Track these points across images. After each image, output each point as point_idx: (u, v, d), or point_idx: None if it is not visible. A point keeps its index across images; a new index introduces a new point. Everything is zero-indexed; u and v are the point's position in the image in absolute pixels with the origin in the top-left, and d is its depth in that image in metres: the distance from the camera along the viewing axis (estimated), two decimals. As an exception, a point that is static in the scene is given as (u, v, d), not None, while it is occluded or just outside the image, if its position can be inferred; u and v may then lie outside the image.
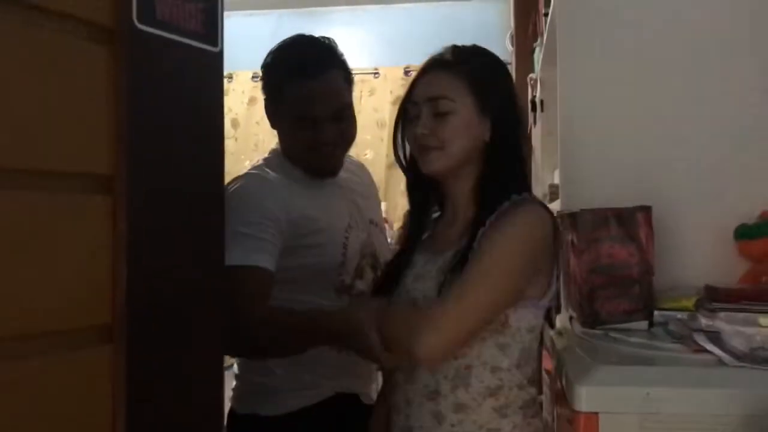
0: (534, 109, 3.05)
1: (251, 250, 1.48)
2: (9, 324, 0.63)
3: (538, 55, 2.95)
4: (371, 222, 1.78)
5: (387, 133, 4.47)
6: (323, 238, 1.63)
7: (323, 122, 1.61)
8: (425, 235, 1.48)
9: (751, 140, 1.83)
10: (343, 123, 1.65)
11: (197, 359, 0.78)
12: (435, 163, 1.35)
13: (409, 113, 1.39)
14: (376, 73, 4.58)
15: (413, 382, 1.34)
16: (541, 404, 1.42)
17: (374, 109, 4.56)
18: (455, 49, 1.43)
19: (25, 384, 0.64)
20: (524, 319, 1.31)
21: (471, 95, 1.35)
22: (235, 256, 1.38)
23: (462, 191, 1.40)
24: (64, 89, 0.68)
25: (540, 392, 1.48)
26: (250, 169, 1.74)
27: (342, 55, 1.73)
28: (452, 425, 1.30)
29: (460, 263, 1.29)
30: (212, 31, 0.80)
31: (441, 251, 1.38)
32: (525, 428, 1.32)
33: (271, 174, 1.68)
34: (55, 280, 0.67)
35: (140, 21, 0.71)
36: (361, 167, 1.94)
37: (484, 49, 1.47)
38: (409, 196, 1.51)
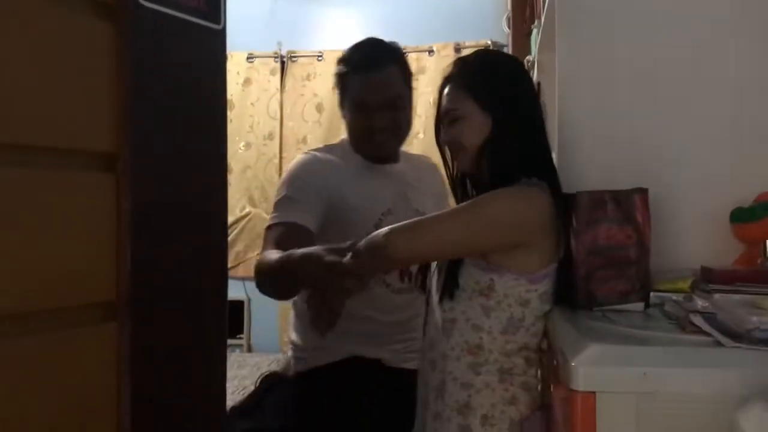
0: (531, 91, 3.04)
1: (284, 210, 1.73)
2: (12, 301, 0.63)
3: (536, 38, 2.94)
4: (417, 210, 1.89)
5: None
6: (354, 216, 1.81)
7: (376, 110, 1.84)
8: None
9: (748, 124, 1.84)
10: (396, 112, 1.87)
11: (200, 336, 0.78)
12: (462, 164, 1.54)
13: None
14: (372, 55, 4.56)
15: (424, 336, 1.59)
16: (533, 379, 1.44)
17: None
18: (457, 62, 1.58)
19: (29, 360, 0.65)
20: (511, 288, 1.42)
21: (471, 99, 1.49)
22: (270, 218, 1.73)
23: (484, 183, 1.51)
24: (66, 65, 0.67)
25: (537, 371, 1.49)
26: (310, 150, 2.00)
27: (402, 54, 2.00)
28: (440, 371, 1.45)
29: None
30: (215, 8, 0.80)
31: None
32: (500, 392, 1.41)
33: (326, 155, 1.92)
34: (58, 257, 0.67)
35: (144, -3, 0.71)
36: (430, 167, 2.10)
37: (486, 51, 1.63)
38: (453, 192, 1.68)
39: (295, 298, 1.87)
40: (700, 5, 1.85)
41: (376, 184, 1.90)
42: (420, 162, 2.10)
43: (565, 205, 1.48)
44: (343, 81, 1.91)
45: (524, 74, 1.63)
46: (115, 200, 0.71)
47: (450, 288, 1.47)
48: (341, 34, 4.56)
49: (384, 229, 1.38)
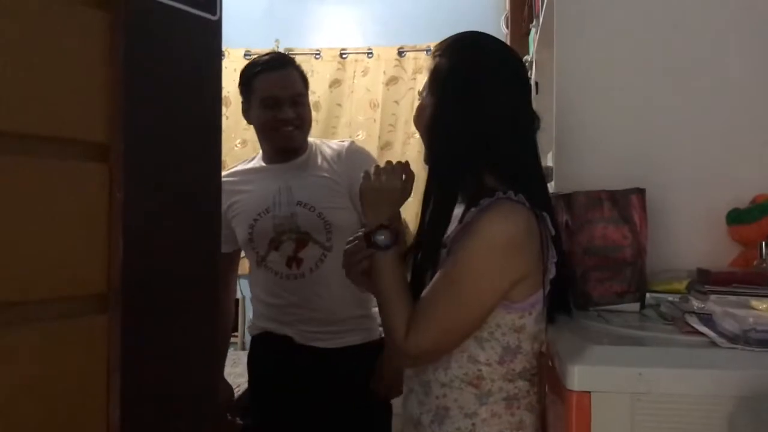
0: (528, 91, 3.03)
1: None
2: (1, 291, 0.62)
3: (534, 37, 2.93)
4: (298, 203, 2.13)
5: (380, 114, 4.44)
6: (238, 221, 2.15)
7: (283, 104, 2.11)
8: None
9: (745, 125, 1.83)
10: (299, 108, 2.14)
11: (192, 329, 0.77)
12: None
13: None
14: (369, 53, 4.55)
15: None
16: (536, 398, 1.39)
17: (367, 89, 4.52)
18: (446, 42, 1.45)
19: (18, 351, 0.64)
20: (502, 318, 1.29)
21: (432, 83, 1.41)
22: None
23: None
24: (59, 54, 0.66)
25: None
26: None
27: (296, 62, 2.28)
28: (439, 397, 1.34)
29: (426, 259, 1.38)
30: (209, -3, 0.79)
31: None
32: (507, 417, 1.31)
33: (233, 170, 2.27)
34: (49, 247, 0.66)
35: (138, -14, 0.70)
36: (348, 150, 2.25)
37: (476, 38, 1.44)
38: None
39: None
40: (697, 6, 1.85)
41: (260, 186, 2.16)
42: (334, 148, 2.25)
43: (552, 216, 1.35)
44: (251, 82, 2.16)
45: (509, 70, 1.40)
46: (107, 191, 0.70)
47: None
48: (339, 32, 4.55)
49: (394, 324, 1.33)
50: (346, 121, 4.43)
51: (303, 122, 2.16)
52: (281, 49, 4.55)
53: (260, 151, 2.27)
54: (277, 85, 2.12)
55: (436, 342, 1.29)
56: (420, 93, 1.45)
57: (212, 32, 0.80)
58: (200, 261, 0.78)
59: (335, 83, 4.50)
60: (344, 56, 4.50)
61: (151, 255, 0.72)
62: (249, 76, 2.17)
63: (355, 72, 4.52)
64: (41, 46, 0.65)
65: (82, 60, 0.68)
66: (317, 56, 4.55)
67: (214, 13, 0.79)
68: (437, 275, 1.30)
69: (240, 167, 2.28)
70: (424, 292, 1.31)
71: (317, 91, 4.52)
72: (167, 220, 0.74)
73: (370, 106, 4.49)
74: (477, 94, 1.35)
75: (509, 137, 1.36)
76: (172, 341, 0.75)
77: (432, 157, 1.41)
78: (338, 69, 4.48)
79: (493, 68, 1.38)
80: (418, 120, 1.43)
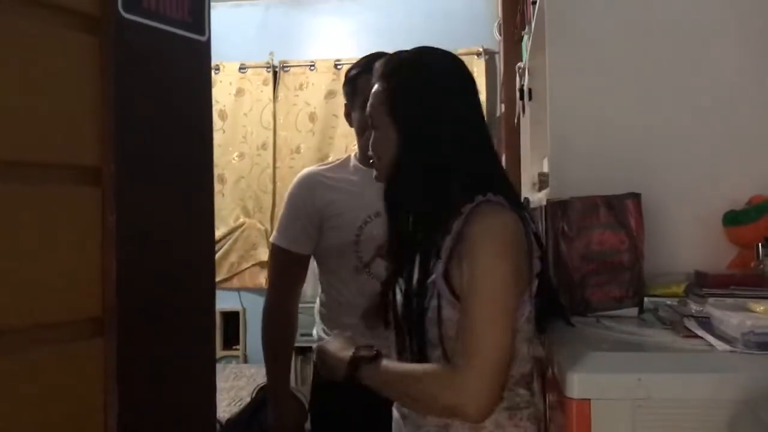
0: (522, 97, 3.05)
1: (283, 231, 1.99)
2: (-3, 317, 0.62)
3: (527, 44, 2.94)
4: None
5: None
6: (340, 221, 1.93)
7: None
8: None
9: (740, 127, 1.84)
10: None
11: (189, 351, 0.77)
12: (379, 175, 1.45)
13: None
14: (364, 64, 4.56)
15: None
16: (538, 408, 1.36)
17: (363, 99, 4.54)
18: (390, 60, 1.45)
19: (14, 378, 0.64)
20: None
21: (385, 109, 1.37)
22: (274, 234, 2.02)
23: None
24: (48, 78, 0.67)
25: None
26: None
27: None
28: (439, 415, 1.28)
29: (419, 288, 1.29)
30: (199, 19, 0.79)
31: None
32: (510, 429, 1.28)
33: (320, 169, 2.08)
34: (43, 272, 0.66)
35: (126, 10, 0.70)
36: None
37: (419, 54, 1.43)
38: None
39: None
40: (690, 11, 1.85)
41: (365, 187, 1.88)
42: None
43: (530, 217, 1.34)
44: (354, 83, 1.97)
45: (459, 86, 1.39)
46: (100, 214, 0.70)
47: (416, 350, 1.29)
48: (333, 43, 4.56)
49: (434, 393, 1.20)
50: (342, 131, 4.44)
51: None
52: (275, 62, 4.57)
53: (351, 154, 2.10)
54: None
55: (499, 382, 1.18)
56: (369, 117, 1.40)
57: (202, 53, 0.80)
58: (195, 281, 0.78)
59: (331, 94, 4.51)
60: (339, 67, 4.51)
61: (144, 277, 0.72)
62: (352, 78, 2.01)
63: (349, 82, 4.53)
64: (30, 70, 0.65)
65: (72, 84, 0.68)
66: (312, 68, 4.56)
67: (203, 34, 0.79)
68: (463, 314, 1.20)
69: (331, 165, 2.08)
70: (456, 345, 1.20)
71: (312, 102, 4.53)
72: (161, 241, 0.75)
73: (365, 115, 4.50)
74: (439, 113, 1.33)
75: (475, 147, 1.35)
76: (168, 362, 0.75)
77: (403, 179, 1.36)
78: (333, 80, 4.49)
79: (446, 84, 1.36)
80: (379, 149, 1.38)
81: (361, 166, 1.99)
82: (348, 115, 2.03)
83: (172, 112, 0.77)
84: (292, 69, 4.60)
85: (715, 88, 1.83)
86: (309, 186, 1.99)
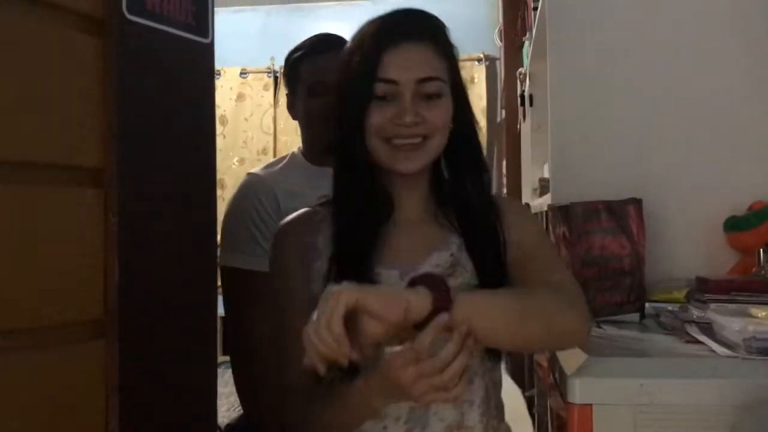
0: (523, 103, 3.05)
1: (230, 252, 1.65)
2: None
3: (528, 50, 2.95)
4: None
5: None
6: None
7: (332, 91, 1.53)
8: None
9: (741, 133, 1.84)
10: None
11: (190, 354, 0.77)
12: (420, 159, 1.15)
13: (374, 92, 1.12)
14: (364, 69, 4.57)
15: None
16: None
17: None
18: (422, 14, 1.21)
19: (16, 378, 0.64)
20: None
21: (447, 73, 1.17)
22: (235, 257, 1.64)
23: (423, 186, 1.21)
24: (52, 79, 0.67)
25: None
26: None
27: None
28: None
29: (491, 252, 1.15)
30: (203, 22, 0.79)
31: (414, 260, 1.13)
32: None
33: (266, 171, 1.77)
34: (46, 273, 0.66)
35: (130, 11, 0.70)
36: None
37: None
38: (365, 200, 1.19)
39: None
40: (690, 17, 1.85)
41: (319, 191, 1.42)
42: None
43: None
44: (297, 67, 1.73)
45: None
46: (102, 216, 0.70)
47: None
48: (334, 48, 4.57)
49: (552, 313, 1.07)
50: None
51: None
52: (276, 67, 4.57)
53: (292, 152, 1.82)
54: (327, 70, 1.59)
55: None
56: (435, 78, 1.13)
57: (205, 55, 0.80)
58: (197, 283, 0.78)
59: (331, 99, 4.51)
60: (340, 72, 4.52)
61: (146, 279, 0.72)
62: (295, 61, 1.75)
63: (350, 88, 4.53)
64: (34, 71, 0.65)
65: (76, 85, 0.68)
66: (313, 73, 4.56)
67: (206, 37, 0.79)
68: (553, 262, 1.19)
69: (279, 167, 1.78)
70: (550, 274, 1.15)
71: (313, 107, 4.54)
72: (162, 243, 0.74)
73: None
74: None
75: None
76: (169, 366, 0.75)
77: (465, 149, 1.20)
78: (334, 85, 4.50)
79: None
80: (443, 121, 1.15)
81: (310, 165, 1.71)
82: (291, 107, 1.76)
83: (174, 113, 0.77)
84: (292, 74, 4.60)
85: (716, 94, 1.83)
86: (268, 190, 1.69)
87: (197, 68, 0.80)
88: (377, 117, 1.11)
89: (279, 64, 4.59)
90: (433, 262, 1.14)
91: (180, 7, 0.76)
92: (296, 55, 1.75)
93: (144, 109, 0.73)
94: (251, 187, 1.72)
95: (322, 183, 1.29)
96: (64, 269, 0.67)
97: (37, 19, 0.66)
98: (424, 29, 1.17)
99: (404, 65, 1.12)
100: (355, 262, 1.11)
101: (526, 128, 3.06)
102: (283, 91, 4.53)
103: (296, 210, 1.42)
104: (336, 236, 1.15)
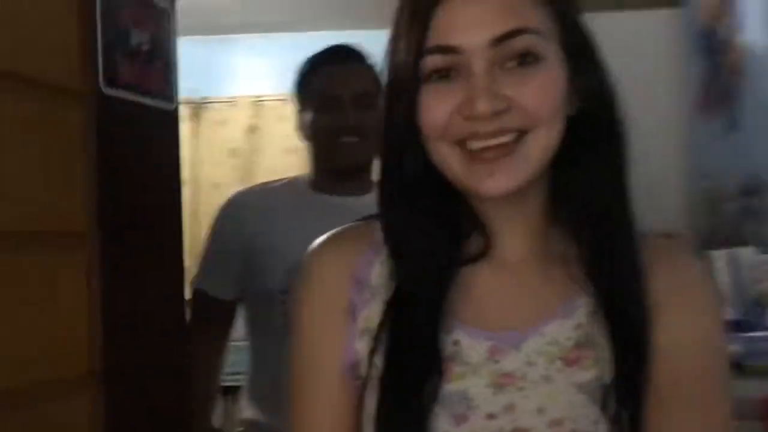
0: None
1: (204, 273, 1.55)
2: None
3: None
4: None
5: (298, 159, 4.51)
6: (268, 260, 1.46)
7: (346, 106, 1.52)
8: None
9: (645, 161, 2.00)
10: (366, 112, 1.48)
11: (171, 399, 0.82)
12: (521, 171, 0.73)
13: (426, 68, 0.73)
14: (285, 100, 4.63)
15: None
16: None
17: (286, 135, 4.60)
18: None
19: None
20: None
21: (556, 26, 0.75)
22: (195, 275, 1.52)
23: (530, 211, 0.79)
24: (36, 151, 0.71)
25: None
26: None
27: (371, 58, 1.57)
28: None
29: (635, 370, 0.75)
30: (169, 90, 0.85)
31: (516, 327, 0.76)
32: None
33: (257, 190, 1.70)
34: (32, 334, 0.70)
35: (107, 85, 0.75)
36: None
37: None
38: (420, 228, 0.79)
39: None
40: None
41: (309, 220, 1.18)
42: None
43: None
44: (305, 83, 1.60)
45: None
46: (85, 278, 0.74)
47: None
48: (254, 80, 4.62)
49: None
50: (267, 166, 4.49)
51: (369, 132, 1.47)
52: (196, 99, 4.58)
53: (296, 176, 1.67)
54: (341, 82, 1.53)
55: None
56: (529, 29, 0.72)
57: (171, 119, 0.86)
58: (174, 331, 0.83)
59: (252, 130, 4.56)
60: (260, 103, 4.57)
61: (130, 332, 0.77)
62: (304, 75, 1.61)
63: (271, 119, 4.59)
64: (20, 144, 0.70)
65: (58, 156, 0.73)
66: (232, 104, 4.60)
67: (172, 103, 0.85)
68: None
69: (272, 186, 1.65)
70: None
71: (233, 138, 4.57)
72: (142, 297, 0.80)
73: (288, 152, 4.57)
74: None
75: None
76: (154, 415, 0.79)
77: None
78: (255, 116, 4.55)
79: None
80: (554, 104, 0.74)
81: (312, 191, 1.56)
82: (301, 126, 1.59)
83: (147, 172, 0.82)
84: (212, 105, 4.62)
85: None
86: (234, 212, 1.57)
87: (165, 131, 0.86)
88: (435, 109, 0.73)
89: (200, 94, 4.60)
90: (547, 337, 0.76)
91: (149, 78, 0.81)
92: (307, 67, 1.61)
93: (121, 174, 0.78)
94: (230, 209, 1.62)
95: (319, 219, 0.99)
96: (51, 330, 0.71)
97: (22, 94, 0.70)
98: None
99: (469, 19, 0.73)
100: (420, 320, 0.74)
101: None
102: (204, 123, 4.56)
103: (259, 235, 1.43)
104: (399, 272, 0.77)
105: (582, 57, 0.76)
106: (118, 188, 0.78)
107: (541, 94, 0.72)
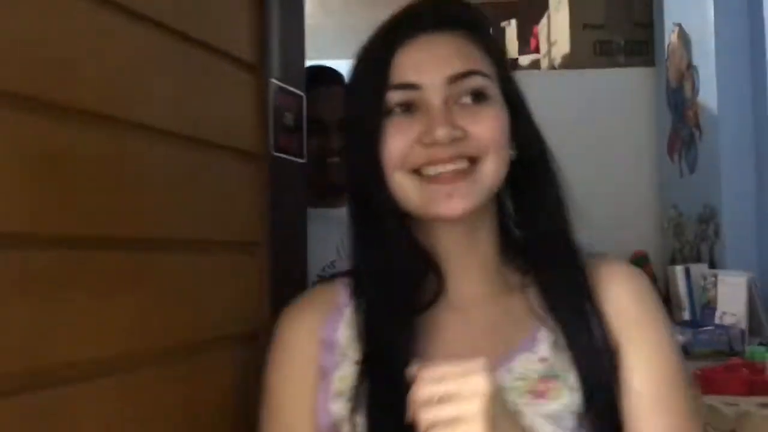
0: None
1: None
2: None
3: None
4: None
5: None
6: None
7: (330, 128, 1.62)
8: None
9: (625, 193, 2.43)
10: None
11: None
12: (474, 196, 0.81)
13: (388, 104, 0.81)
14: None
15: None
16: None
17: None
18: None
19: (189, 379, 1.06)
20: None
21: (494, 70, 0.86)
22: None
23: (483, 246, 0.86)
24: (224, 197, 1.09)
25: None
26: None
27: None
28: None
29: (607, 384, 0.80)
30: (299, 148, 1.24)
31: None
32: None
33: None
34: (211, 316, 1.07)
35: (275, 150, 1.15)
36: None
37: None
38: (388, 262, 0.86)
39: None
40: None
41: (318, 234, 1.43)
42: None
43: None
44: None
45: None
46: (258, 276, 1.13)
47: None
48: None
49: None
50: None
51: None
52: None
53: None
54: (324, 104, 1.56)
55: None
56: (476, 72, 0.83)
57: (301, 170, 1.26)
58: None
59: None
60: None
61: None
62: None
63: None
64: (212, 193, 1.07)
65: (240, 201, 1.12)
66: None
67: (302, 157, 1.25)
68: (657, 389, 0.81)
69: None
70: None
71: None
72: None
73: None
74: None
75: None
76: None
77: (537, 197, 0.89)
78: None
79: None
80: (501, 140, 0.84)
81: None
82: None
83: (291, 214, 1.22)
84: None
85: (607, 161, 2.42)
86: None
87: (298, 179, 1.25)
88: (396, 139, 0.79)
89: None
90: (515, 373, 0.78)
91: (292, 143, 1.21)
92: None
93: (283, 213, 1.17)
94: None
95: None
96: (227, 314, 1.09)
97: (214, 153, 1.07)
98: (452, 14, 0.84)
99: (427, 60, 0.80)
100: (392, 373, 0.74)
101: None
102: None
103: None
104: (364, 329, 0.82)
105: (517, 104, 0.86)
106: (282, 224, 1.17)
107: (492, 126, 0.80)
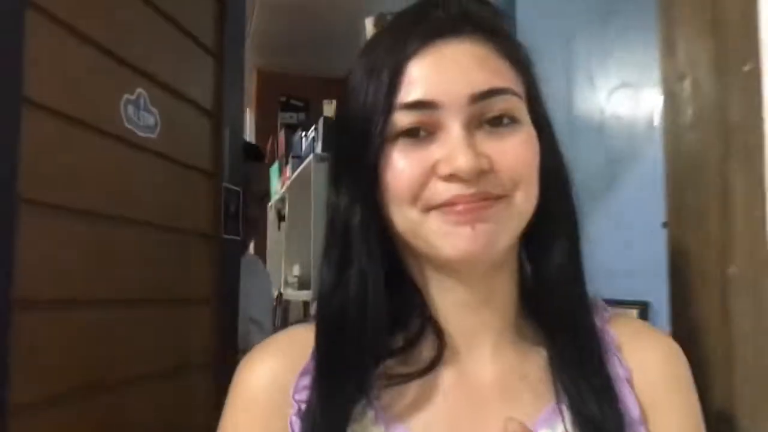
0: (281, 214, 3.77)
1: None
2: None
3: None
4: (251, 320, 1.93)
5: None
6: None
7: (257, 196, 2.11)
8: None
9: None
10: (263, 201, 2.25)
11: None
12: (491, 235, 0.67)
13: (396, 127, 0.67)
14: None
15: None
16: None
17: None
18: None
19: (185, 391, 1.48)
20: None
21: (525, 90, 0.71)
22: None
23: (499, 291, 0.74)
24: (188, 265, 1.52)
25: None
26: None
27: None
28: None
29: None
30: (237, 229, 1.69)
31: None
32: None
33: None
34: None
35: (225, 233, 1.59)
36: (256, 261, 2.31)
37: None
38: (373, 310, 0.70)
39: None
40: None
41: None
42: (251, 260, 2.15)
43: None
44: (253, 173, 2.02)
45: None
46: (209, 322, 1.57)
47: None
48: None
49: None
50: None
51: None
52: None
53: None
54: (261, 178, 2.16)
55: None
56: (504, 90, 0.67)
57: (238, 244, 1.71)
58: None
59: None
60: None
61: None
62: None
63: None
64: (171, 269, 1.51)
65: (193, 277, 1.56)
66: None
67: (239, 236, 1.70)
68: None
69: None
70: None
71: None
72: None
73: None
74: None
75: None
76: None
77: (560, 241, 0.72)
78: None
79: None
80: (531, 168, 0.69)
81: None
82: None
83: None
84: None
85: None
86: None
87: (236, 251, 1.70)
88: (407, 171, 0.65)
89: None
90: None
91: (234, 225, 1.66)
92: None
93: (226, 276, 1.62)
94: None
95: None
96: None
97: (187, 237, 1.50)
98: (473, 14, 0.69)
99: (446, 74, 0.66)
100: None
101: (284, 228, 3.86)
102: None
103: None
104: (315, 399, 0.68)
105: (545, 129, 0.70)
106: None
107: (523, 156, 0.65)
